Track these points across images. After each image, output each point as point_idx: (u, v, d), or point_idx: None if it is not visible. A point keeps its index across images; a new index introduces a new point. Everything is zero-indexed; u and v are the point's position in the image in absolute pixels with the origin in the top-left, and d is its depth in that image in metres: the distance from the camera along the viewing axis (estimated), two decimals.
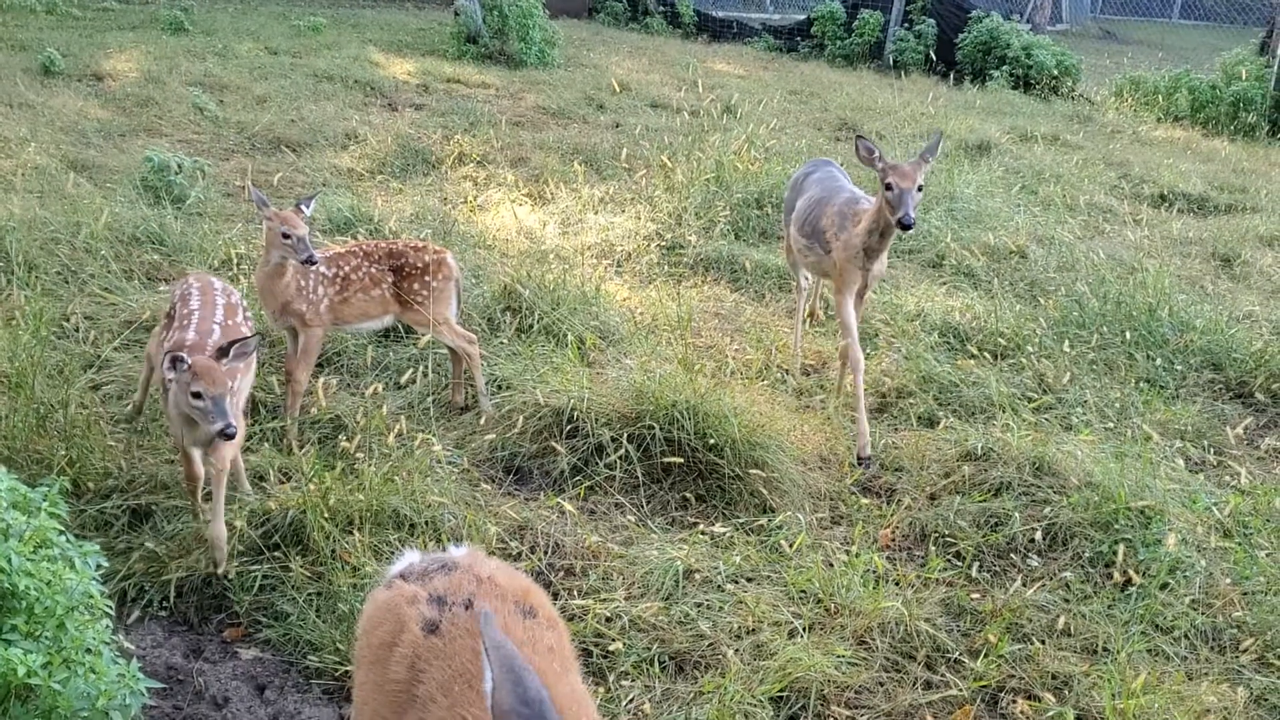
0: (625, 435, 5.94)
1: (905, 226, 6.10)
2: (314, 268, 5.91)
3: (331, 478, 5.15)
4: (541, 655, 2.45)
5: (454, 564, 2.74)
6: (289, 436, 5.94)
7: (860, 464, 6.39)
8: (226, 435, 4.54)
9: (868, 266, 6.59)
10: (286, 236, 5.77)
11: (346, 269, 6.18)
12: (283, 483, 5.51)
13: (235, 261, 7.82)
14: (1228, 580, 5.36)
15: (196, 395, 4.53)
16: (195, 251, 8.16)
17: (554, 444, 5.94)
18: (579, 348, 6.91)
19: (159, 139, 11.45)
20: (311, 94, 14.12)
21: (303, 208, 5.97)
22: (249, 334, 5.16)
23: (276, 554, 4.93)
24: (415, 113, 13.99)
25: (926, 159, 6.27)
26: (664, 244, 9.57)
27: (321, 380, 6.03)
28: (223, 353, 4.70)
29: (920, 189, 6.17)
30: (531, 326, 7.33)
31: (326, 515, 4.99)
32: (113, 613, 3.79)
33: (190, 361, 4.57)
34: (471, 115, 13.70)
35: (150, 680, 3.52)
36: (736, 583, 5.21)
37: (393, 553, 4.79)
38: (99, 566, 3.65)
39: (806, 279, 7.80)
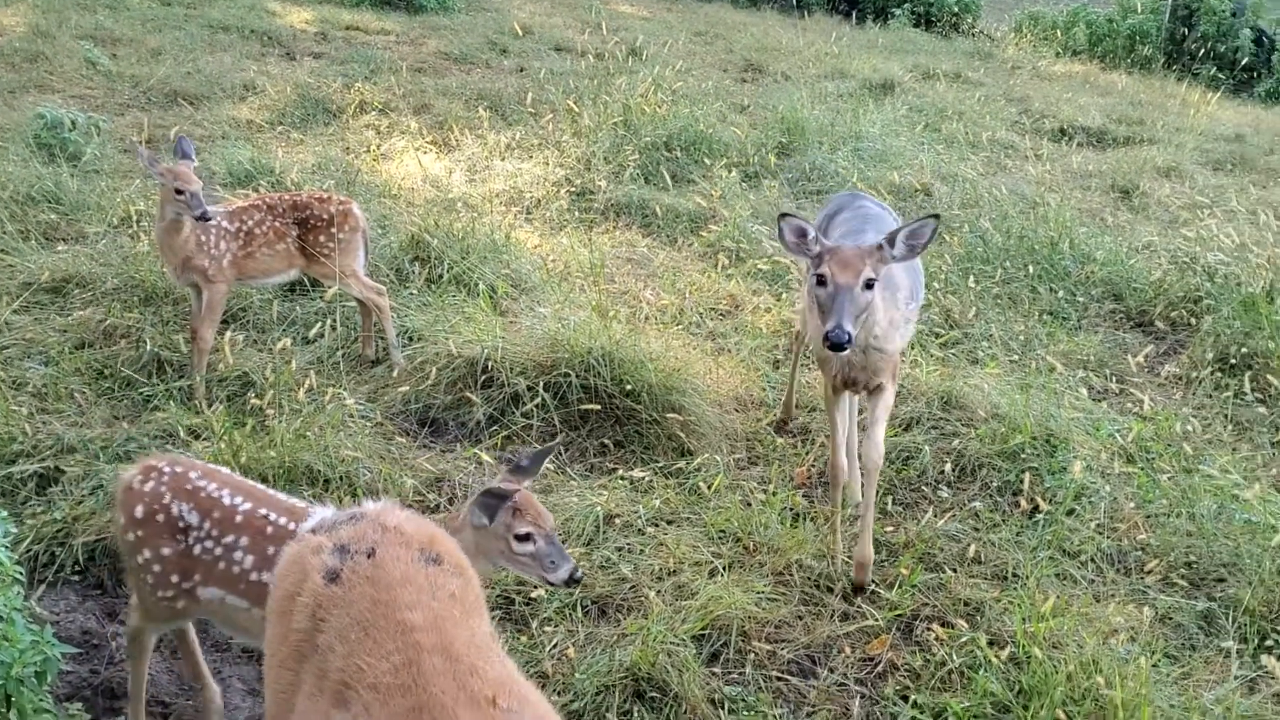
0: (541, 384, 5.94)
1: (835, 346, 4.30)
2: (210, 222, 5.79)
3: (242, 435, 5.08)
4: (442, 601, 2.46)
5: (362, 515, 2.73)
6: (196, 395, 5.84)
7: (856, 592, 4.95)
8: (576, 581, 3.72)
9: (847, 356, 4.75)
10: (180, 193, 5.64)
11: (250, 223, 6.06)
12: (191, 441, 5.42)
13: (134, 219, 7.64)
14: (1131, 504, 5.53)
15: (524, 538, 3.64)
16: (93, 210, 7.95)
17: (469, 394, 5.92)
18: (491, 297, 6.88)
19: (50, 95, 11.07)
20: (207, 45, 13.75)
21: (188, 152, 5.83)
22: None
23: None
24: (314, 61, 13.70)
25: (891, 251, 4.46)
26: (573, 190, 9.52)
27: (228, 336, 5.93)
28: (523, 471, 3.80)
29: (869, 286, 4.42)
30: (441, 276, 7.26)
31: (238, 473, 4.92)
32: (24, 579, 3.72)
33: (512, 495, 3.62)
34: (372, 63, 13.45)
35: (65, 645, 3.46)
36: (657, 526, 5.25)
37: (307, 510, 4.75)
38: (7, 533, 3.58)
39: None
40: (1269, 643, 4.69)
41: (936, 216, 4.46)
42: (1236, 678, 4.43)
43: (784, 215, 4.55)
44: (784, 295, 7.68)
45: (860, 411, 5.73)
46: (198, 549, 3.54)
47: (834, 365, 4.86)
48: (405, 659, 2.27)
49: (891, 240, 4.44)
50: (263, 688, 3.92)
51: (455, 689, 2.20)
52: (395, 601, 2.41)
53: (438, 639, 2.33)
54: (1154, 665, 4.31)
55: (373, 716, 2.19)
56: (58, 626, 4.34)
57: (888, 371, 4.87)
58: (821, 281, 4.41)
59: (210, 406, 5.71)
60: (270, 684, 2.60)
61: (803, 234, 4.52)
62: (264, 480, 4.92)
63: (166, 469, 3.62)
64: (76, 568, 4.70)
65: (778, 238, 4.81)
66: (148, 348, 6.10)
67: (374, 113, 11.30)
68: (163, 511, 3.54)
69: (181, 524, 3.55)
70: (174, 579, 3.56)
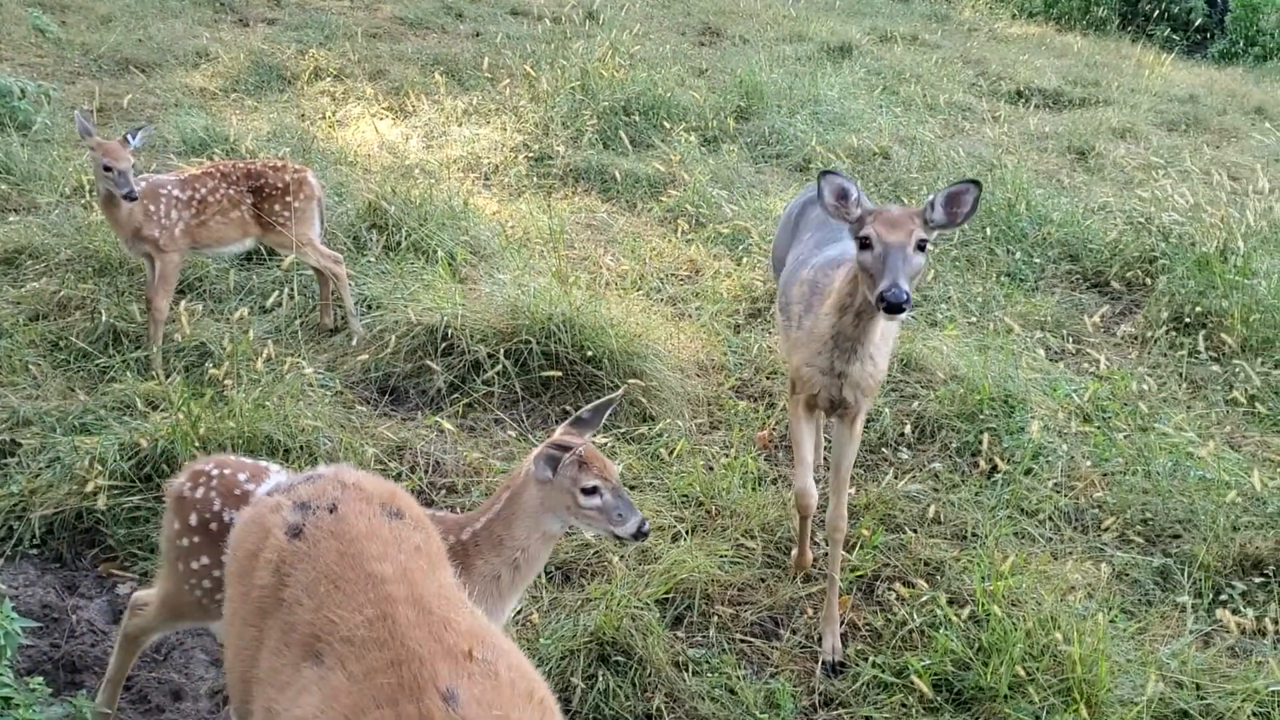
0: (502, 351, 5.92)
1: (893, 307, 3.83)
2: (134, 203, 5.70)
3: (200, 406, 5.04)
4: (408, 554, 2.47)
5: (319, 475, 2.73)
6: (153, 365, 5.79)
7: (825, 671, 4.44)
8: (644, 534, 3.54)
9: (840, 368, 4.33)
10: (108, 170, 5.58)
11: (203, 191, 6.00)
12: (149, 413, 5.37)
13: (87, 189, 7.53)
14: (1088, 463, 5.60)
15: (591, 490, 3.47)
16: (45, 180, 7.84)
17: (429, 363, 5.89)
18: (450, 264, 6.84)
19: None
20: (158, 11, 13.53)
21: (129, 139, 5.75)
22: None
23: (148, 485, 4.83)
24: (268, 28, 13.52)
25: (931, 214, 4.03)
26: (532, 155, 9.47)
27: (184, 306, 5.87)
28: (585, 423, 3.71)
29: (921, 248, 3.98)
30: (399, 244, 7.21)
31: (198, 444, 4.89)
32: None
33: (576, 448, 3.48)
34: (326, 28, 13.30)
35: (25, 620, 3.44)
36: None
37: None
38: None
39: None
40: (1223, 597, 4.77)
41: (977, 183, 4.04)
42: (1192, 632, 4.51)
43: (826, 173, 4.12)
44: (744, 260, 7.69)
45: (826, 443, 5.40)
46: None
47: (818, 384, 4.41)
48: (379, 612, 2.27)
49: (933, 208, 4.03)
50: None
51: (431, 641, 2.20)
52: (363, 554, 2.41)
53: (409, 590, 2.33)
54: (1111, 621, 4.38)
55: (349, 670, 2.19)
56: (17, 601, 4.31)
57: (873, 393, 4.48)
58: (866, 244, 3.97)
59: (168, 377, 5.66)
60: (232, 644, 2.60)
61: (844, 195, 4.09)
62: (222, 451, 4.89)
63: (214, 471, 3.49)
64: (35, 541, 4.66)
65: (816, 197, 4.32)
66: (103, 319, 6.03)
67: (329, 79, 11.18)
68: (215, 520, 3.45)
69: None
70: None
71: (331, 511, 2.53)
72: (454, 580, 2.60)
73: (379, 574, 2.36)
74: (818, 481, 4.88)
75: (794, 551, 4.92)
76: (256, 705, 2.40)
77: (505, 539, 3.47)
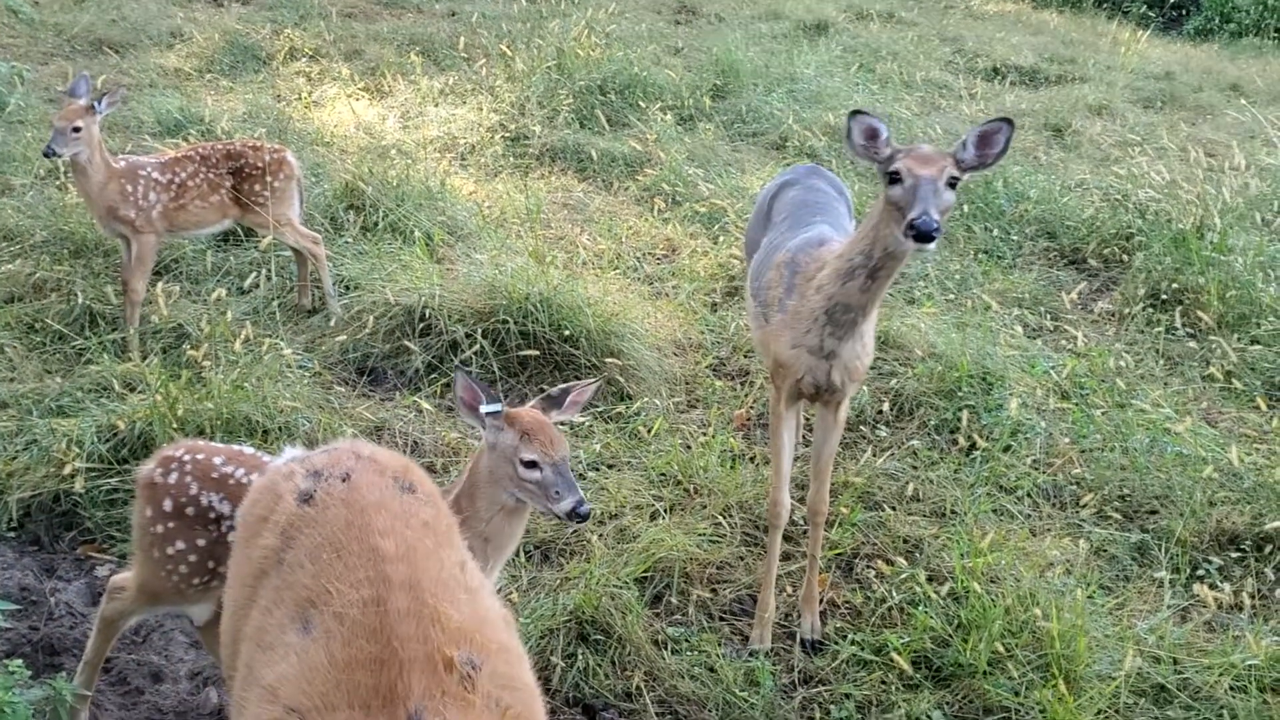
0: (479, 331, 5.91)
1: (923, 235, 3.72)
2: (51, 158, 5.84)
3: (178, 387, 5.02)
4: (415, 530, 2.46)
5: (335, 447, 2.74)
6: (130, 347, 5.76)
7: (805, 649, 4.46)
8: (580, 516, 3.48)
9: (830, 348, 4.18)
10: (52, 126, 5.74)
11: (183, 175, 5.97)
12: (126, 395, 5.34)
13: (62, 170, 7.46)
14: (1066, 440, 5.63)
15: (530, 464, 3.46)
16: (19, 161, 7.78)
17: (407, 343, 5.88)
18: (427, 244, 6.82)
19: None
20: None
21: (95, 106, 5.73)
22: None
23: (126, 467, 4.80)
24: (242, 7, 13.41)
25: (963, 153, 3.92)
26: (508, 135, 9.43)
27: (160, 287, 5.84)
28: (552, 402, 3.66)
29: (953, 185, 3.88)
30: (377, 224, 7.18)
31: (176, 426, 4.87)
32: None
33: (510, 414, 3.48)
34: (301, 8, 13.19)
35: (3, 602, 3.43)
36: (598, 470, 5.27)
37: None
38: None
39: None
40: (1200, 572, 4.80)
41: (1009, 121, 3.93)
42: (1169, 607, 4.54)
43: (856, 113, 4.00)
44: (721, 239, 7.68)
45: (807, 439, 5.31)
46: (232, 535, 3.46)
47: (804, 366, 4.24)
48: (374, 594, 2.25)
49: (965, 152, 3.91)
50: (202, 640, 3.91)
51: (417, 641, 2.19)
52: (369, 526, 2.40)
53: (408, 572, 2.32)
54: (1089, 597, 4.41)
55: (332, 649, 2.18)
56: None
57: (859, 378, 4.34)
58: (896, 178, 3.84)
59: (145, 359, 5.63)
60: (228, 604, 2.61)
61: (874, 135, 3.98)
62: (201, 433, 4.87)
63: (186, 457, 3.49)
64: (12, 524, 4.64)
65: (844, 139, 4.12)
66: (79, 300, 6.00)
67: (304, 59, 11.10)
68: (193, 504, 3.43)
69: (213, 514, 3.44)
70: (209, 565, 3.47)
71: (344, 480, 2.53)
72: (462, 556, 2.60)
73: (382, 550, 2.35)
74: (798, 459, 4.88)
75: (761, 565, 4.65)
76: (240, 662, 2.40)
77: (469, 512, 3.47)
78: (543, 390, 5.78)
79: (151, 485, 3.47)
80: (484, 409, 3.43)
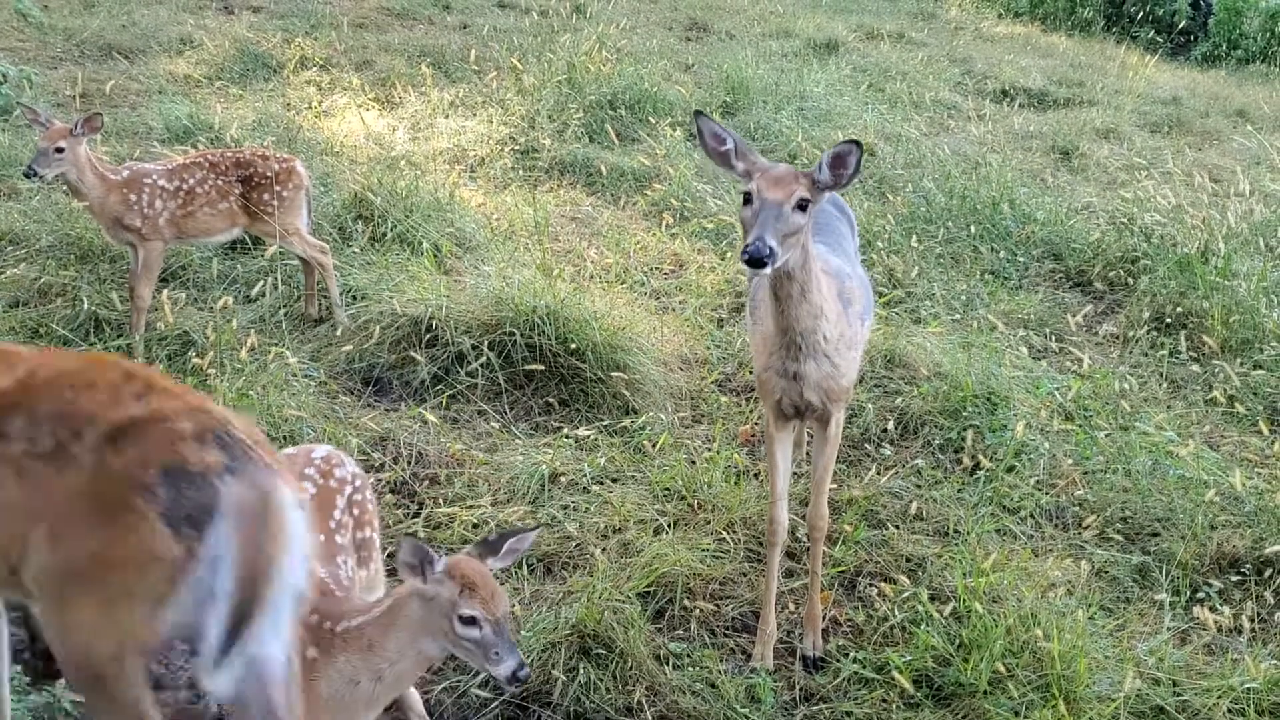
0: (486, 343, 5.91)
1: (754, 260, 3.68)
2: (32, 179, 5.84)
3: None
4: None
5: None
6: (135, 354, 5.77)
7: (806, 666, 4.45)
8: (520, 680, 3.13)
9: (792, 370, 4.15)
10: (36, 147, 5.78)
11: (191, 182, 5.98)
12: None
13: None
14: (1070, 461, 5.62)
15: (469, 621, 3.06)
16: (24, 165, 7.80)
17: (413, 354, 5.89)
18: (435, 255, 6.83)
19: None
20: None
21: (76, 129, 5.73)
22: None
23: None
24: (253, 15, 13.46)
25: (819, 175, 3.86)
26: (518, 148, 9.46)
27: (166, 294, 5.85)
28: (490, 548, 3.27)
29: (802, 208, 3.81)
30: (385, 235, 7.20)
31: None
32: None
33: (450, 563, 3.12)
34: (312, 17, 13.24)
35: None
36: (602, 484, 5.27)
37: None
38: None
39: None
40: (1200, 594, 4.80)
41: (858, 143, 3.83)
42: (1169, 629, 4.53)
43: (700, 114, 4.06)
44: (728, 254, 7.70)
45: (807, 449, 5.33)
46: None
47: (778, 388, 4.22)
48: None
49: (822, 171, 3.86)
50: None
51: None
52: None
53: None
54: (1090, 618, 4.40)
55: None
56: None
57: (840, 398, 4.27)
58: (747, 199, 3.85)
59: (150, 366, 5.64)
60: None
61: (720, 140, 3.96)
62: None
63: None
64: None
65: (697, 140, 4.10)
66: (84, 306, 6.01)
67: (315, 69, 11.14)
68: None
69: None
70: None
71: None
72: None
73: None
74: (801, 476, 4.88)
75: (763, 583, 4.58)
76: None
77: (376, 647, 3.11)
78: (549, 404, 5.82)
79: None
80: (436, 570, 3.08)
